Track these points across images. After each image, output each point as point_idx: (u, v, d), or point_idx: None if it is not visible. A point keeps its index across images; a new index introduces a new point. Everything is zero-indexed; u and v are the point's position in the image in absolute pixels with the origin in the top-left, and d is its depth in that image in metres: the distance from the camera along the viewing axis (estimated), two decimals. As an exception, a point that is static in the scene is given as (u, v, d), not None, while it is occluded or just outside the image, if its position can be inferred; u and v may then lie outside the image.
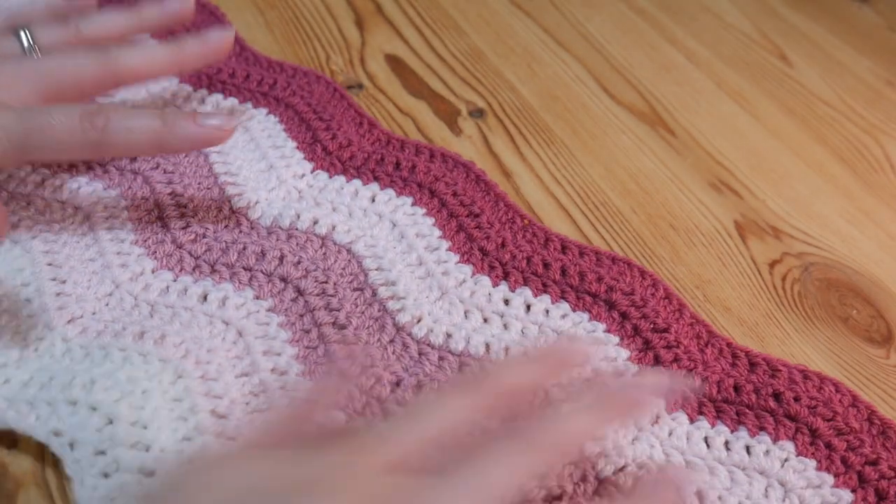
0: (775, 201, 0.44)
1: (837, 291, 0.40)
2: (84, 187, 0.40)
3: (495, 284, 0.38)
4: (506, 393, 0.27)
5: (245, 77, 0.47)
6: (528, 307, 0.37)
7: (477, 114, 0.48)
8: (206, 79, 0.47)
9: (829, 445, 0.32)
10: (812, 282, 0.40)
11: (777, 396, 0.34)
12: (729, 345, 0.36)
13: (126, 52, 0.38)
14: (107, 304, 0.35)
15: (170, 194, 0.40)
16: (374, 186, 0.42)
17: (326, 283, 0.37)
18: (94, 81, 0.38)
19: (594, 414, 0.27)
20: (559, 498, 0.30)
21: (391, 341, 0.35)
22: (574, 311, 0.37)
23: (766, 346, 0.37)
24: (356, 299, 0.36)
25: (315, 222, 0.39)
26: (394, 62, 0.52)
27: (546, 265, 0.38)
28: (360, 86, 0.49)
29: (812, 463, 0.32)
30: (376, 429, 0.26)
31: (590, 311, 0.37)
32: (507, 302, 0.37)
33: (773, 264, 0.41)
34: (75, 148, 0.35)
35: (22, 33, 0.39)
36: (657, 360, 0.35)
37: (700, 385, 0.34)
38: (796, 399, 0.34)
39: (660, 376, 0.33)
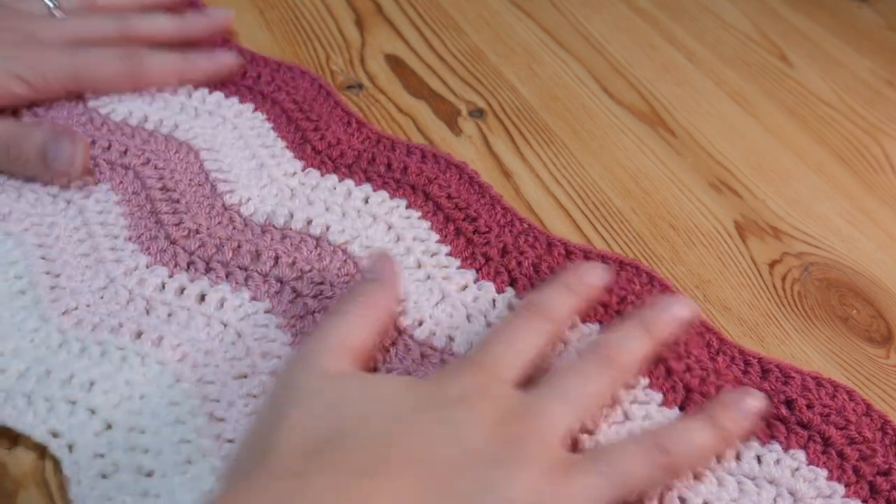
0: (775, 201, 0.44)
1: (837, 291, 0.40)
2: (75, 181, 0.39)
3: (500, 291, 0.37)
4: (562, 319, 0.33)
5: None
6: None
7: (477, 114, 0.48)
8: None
9: (841, 454, 0.31)
10: (812, 282, 0.40)
11: (789, 404, 0.33)
12: (741, 352, 0.35)
13: (149, 59, 0.44)
14: (101, 298, 0.35)
15: (161, 189, 0.40)
16: (367, 188, 0.41)
17: (322, 283, 0.36)
18: (112, 83, 0.43)
19: (645, 337, 0.32)
20: None
21: (393, 344, 0.35)
22: (584, 322, 0.36)
23: (765, 346, 0.37)
24: (354, 300, 0.36)
25: (309, 222, 0.39)
26: (394, 62, 0.51)
27: (553, 272, 0.37)
28: (360, 86, 0.49)
29: (823, 472, 0.31)
30: (481, 354, 0.31)
31: (601, 323, 0.36)
32: (510, 307, 0.36)
33: (773, 264, 0.41)
34: (118, 79, 0.43)
35: None
36: (668, 373, 0.34)
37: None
38: (809, 406, 0.33)
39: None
